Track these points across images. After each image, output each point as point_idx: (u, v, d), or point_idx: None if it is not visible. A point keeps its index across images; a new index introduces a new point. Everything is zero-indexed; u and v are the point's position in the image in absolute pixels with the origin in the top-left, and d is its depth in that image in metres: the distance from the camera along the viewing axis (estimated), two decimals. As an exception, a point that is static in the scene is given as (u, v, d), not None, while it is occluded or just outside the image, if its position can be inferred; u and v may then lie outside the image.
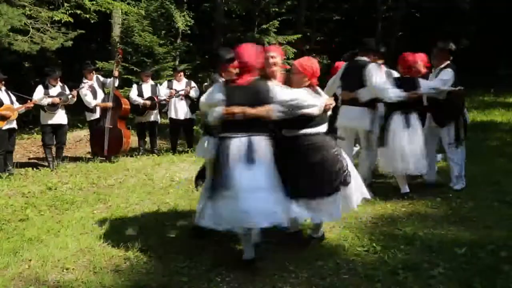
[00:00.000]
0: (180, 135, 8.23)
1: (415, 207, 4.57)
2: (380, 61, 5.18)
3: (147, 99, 7.89)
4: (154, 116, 8.05)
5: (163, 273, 3.26)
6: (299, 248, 3.60)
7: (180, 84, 7.96)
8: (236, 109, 3.13)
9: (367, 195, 3.56)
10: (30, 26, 9.48)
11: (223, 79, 3.53)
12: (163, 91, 7.97)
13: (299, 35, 13.62)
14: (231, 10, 13.92)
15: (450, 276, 3.06)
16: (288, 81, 3.54)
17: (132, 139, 8.22)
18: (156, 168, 6.81)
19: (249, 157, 3.10)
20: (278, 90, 3.27)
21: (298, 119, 3.32)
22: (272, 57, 3.49)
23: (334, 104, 3.54)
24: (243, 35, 13.05)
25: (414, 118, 4.72)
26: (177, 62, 12.46)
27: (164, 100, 7.89)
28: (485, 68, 14.78)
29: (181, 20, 12.81)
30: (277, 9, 13.40)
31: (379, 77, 4.69)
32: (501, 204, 4.49)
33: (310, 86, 3.48)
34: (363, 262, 3.32)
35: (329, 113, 3.51)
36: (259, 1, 12.91)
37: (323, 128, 3.46)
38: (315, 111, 3.33)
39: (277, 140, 3.35)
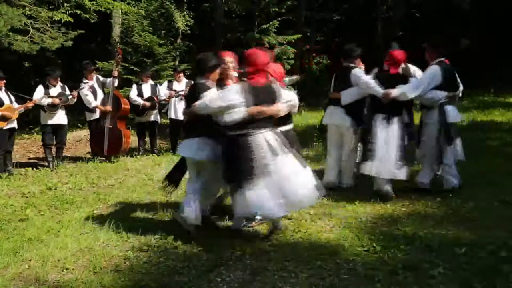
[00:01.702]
0: (180, 135, 8.23)
1: (415, 207, 4.56)
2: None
3: (147, 99, 7.89)
4: (154, 116, 8.05)
5: (163, 273, 3.26)
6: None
7: (180, 84, 7.96)
8: (259, 109, 3.49)
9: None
10: (30, 26, 9.48)
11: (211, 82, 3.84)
12: (163, 91, 7.98)
13: (299, 35, 13.63)
14: (231, 10, 13.93)
15: (450, 276, 3.05)
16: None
17: (132, 139, 8.22)
18: (156, 168, 6.81)
19: (281, 147, 3.58)
20: (283, 91, 3.81)
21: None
22: (230, 62, 3.96)
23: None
24: (243, 35, 13.07)
25: None
26: (177, 62, 12.48)
27: (164, 100, 7.89)
28: (485, 68, 14.76)
29: (181, 20, 12.84)
30: (277, 9, 13.41)
31: None
32: (501, 204, 4.48)
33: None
34: (363, 262, 3.31)
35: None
36: (259, 1, 12.92)
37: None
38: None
39: None
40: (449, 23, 15.86)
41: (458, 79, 5.01)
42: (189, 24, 13.25)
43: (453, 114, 4.86)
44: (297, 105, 4.15)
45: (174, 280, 3.15)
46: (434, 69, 4.81)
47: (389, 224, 4.09)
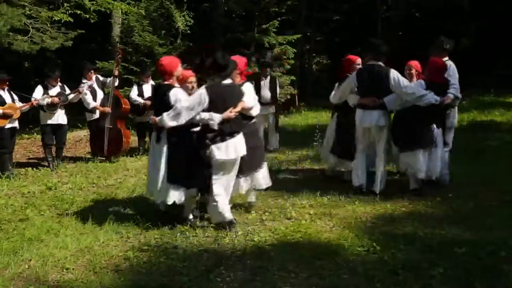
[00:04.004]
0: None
1: (415, 207, 4.56)
2: None
3: (147, 99, 7.89)
4: (154, 116, 8.04)
5: (163, 273, 3.26)
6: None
7: (180, 84, 7.95)
8: None
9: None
10: (30, 26, 9.48)
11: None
12: (163, 91, 7.97)
13: (299, 35, 13.63)
14: (231, 10, 13.93)
15: (450, 276, 3.05)
16: None
17: (132, 139, 8.22)
18: (156, 168, 6.79)
19: None
20: None
21: None
22: None
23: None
24: (243, 35, 13.07)
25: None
26: (177, 62, 12.43)
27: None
28: (485, 68, 14.75)
29: (181, 20, 12.82)
30: (277, 9, 13.41)
31: None
32: (501, 204, 4.49)
33: None
34: (363, 262, 3.32)
35: None
36: (259, 1, 12.91)
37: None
38: None
39: None
40: (449, 22, 15.85)
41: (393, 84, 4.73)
42: (189, 24, 13.24)
43: (364, 118, 4.86)
44: None
45: (174, 280, 3.15)
46: (351, 76, 5.09)
47: (389, 224, 4.09)
